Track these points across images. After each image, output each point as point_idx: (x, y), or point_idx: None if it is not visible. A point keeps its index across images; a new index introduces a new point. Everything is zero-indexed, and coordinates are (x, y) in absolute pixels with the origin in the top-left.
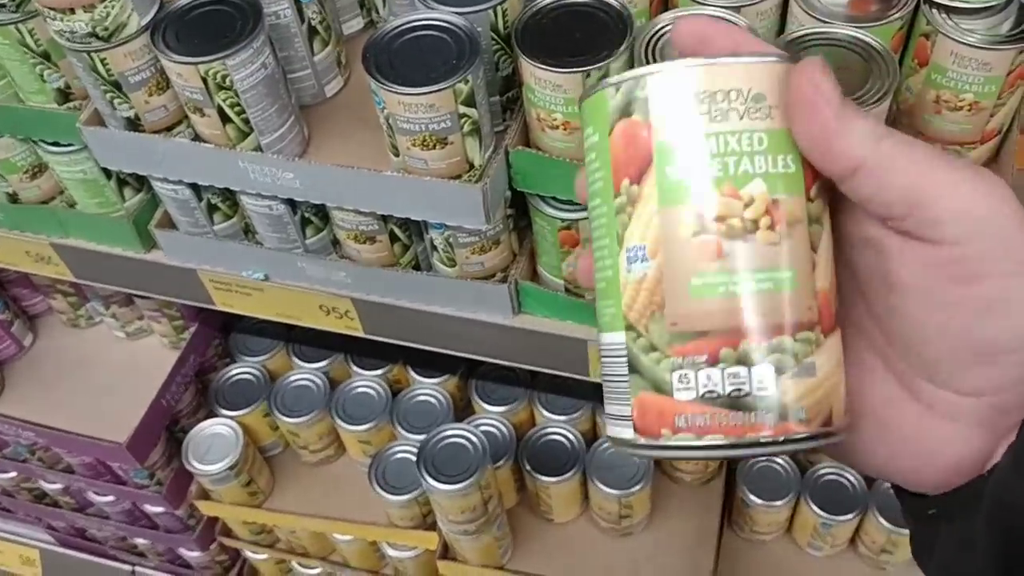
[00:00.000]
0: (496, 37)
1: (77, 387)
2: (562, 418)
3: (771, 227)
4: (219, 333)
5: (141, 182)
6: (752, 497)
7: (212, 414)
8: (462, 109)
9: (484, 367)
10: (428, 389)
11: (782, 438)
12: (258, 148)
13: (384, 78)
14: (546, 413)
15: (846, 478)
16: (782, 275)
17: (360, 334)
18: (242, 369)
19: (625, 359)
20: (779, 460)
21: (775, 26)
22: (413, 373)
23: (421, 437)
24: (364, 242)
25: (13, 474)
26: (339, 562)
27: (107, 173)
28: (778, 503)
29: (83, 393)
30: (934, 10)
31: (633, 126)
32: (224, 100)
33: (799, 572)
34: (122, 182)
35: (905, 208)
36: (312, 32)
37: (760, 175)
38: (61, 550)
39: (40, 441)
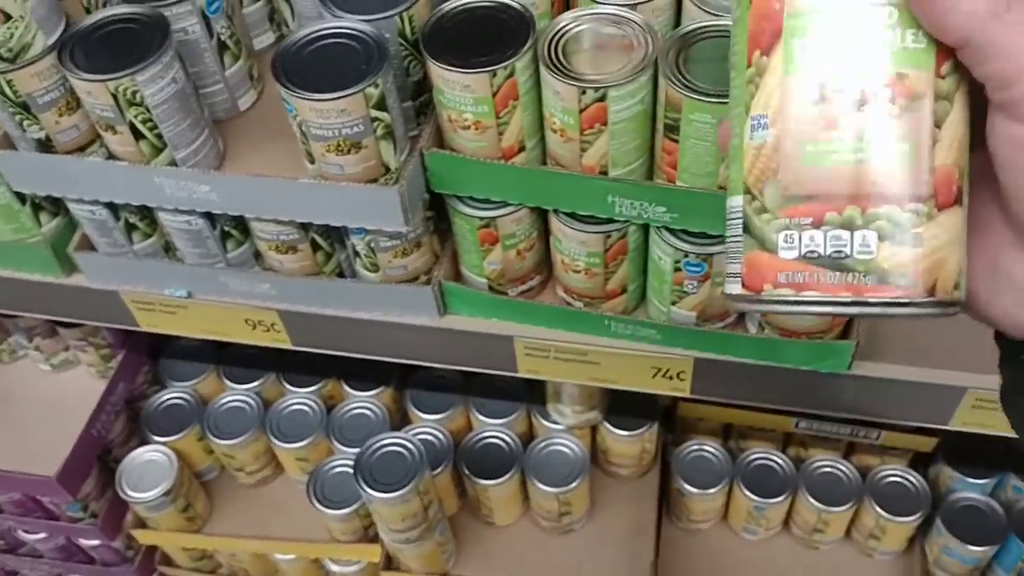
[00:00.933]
0: (404, 43)
1: (2, 424)
2: (498, 421)
3: (891, 100)
4: (148, 359)
5: (57, 205)
6: (687, 486)
7: (145, 441)
8: (374, 113)
9: (418, 376)
10: (363, 402)
11: (876, 299)
12: (173, 163)
13: (294, 86)
14: (482, 418)
15: (775, 462)
16: (896, 147)
17: (288, 346)
18: (173, 394)
19: (741, 221)
20: (709, 449)
21: (671, 22)
22: (347, 387)
23: (357, 450)
24: (286, 252)
25: None
26: None
27: (21, 198)
28: (712, 490)
29: (9, 429)
30: None
31: (768, 1)
32: (136, 116)
33: (736, 556)
34: (37, 207)
35: (1012, 90)
36: (222, 47)
37: (886, 49)
38: None
39: None
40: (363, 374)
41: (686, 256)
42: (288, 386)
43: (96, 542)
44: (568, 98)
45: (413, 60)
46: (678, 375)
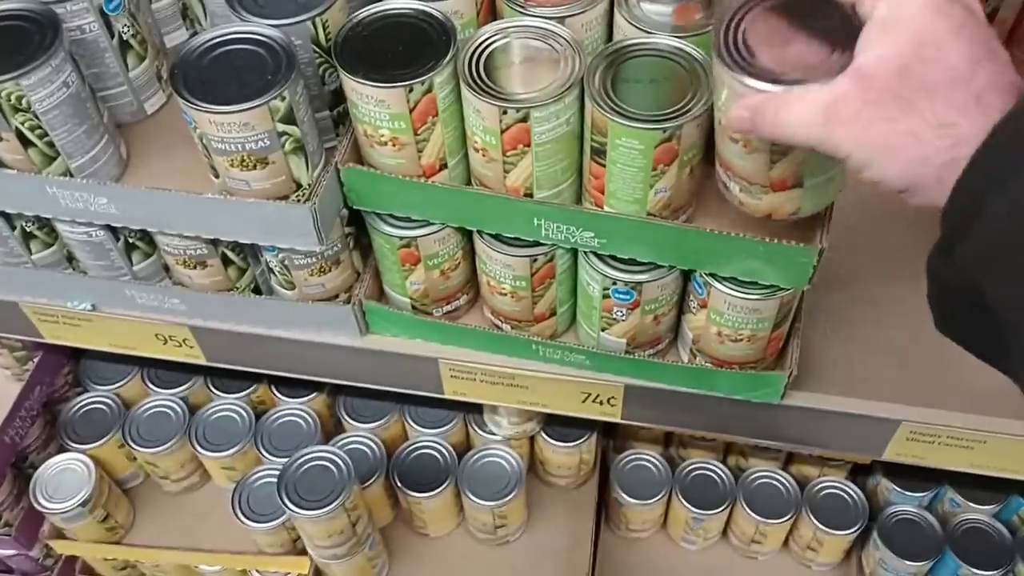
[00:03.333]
0: (319, 49)
1: None
2: (433, 432)
3: None
4: (68, 360)
5: None
6: (625, 496)
7: (63, 448)
8: (281, 127)
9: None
10: (294, 409)
11: None
12: (67, 172)
13: (193, 96)
14: (417, 427)
15: (715, 472)
16: None
17: (202, 362)
18: (93, 398)
19: None
20: (648, 459)
21: (601, 37)
22: (278, 393)
23: (282, 459)
24: (194, 267)
25: None
26: None
27: None
28: (651, 501)
29: None
30: None
31: None
32: (23, 123)
33: (675, 566)
34: None
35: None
36: (125, 46)
37: None
38: None
39: None
40: (295, 380)
41: (615, 284)
42: (216, 391)
43: (12, 552)
44: (489, 117)
45: (329, 68)
46: (608, 400)
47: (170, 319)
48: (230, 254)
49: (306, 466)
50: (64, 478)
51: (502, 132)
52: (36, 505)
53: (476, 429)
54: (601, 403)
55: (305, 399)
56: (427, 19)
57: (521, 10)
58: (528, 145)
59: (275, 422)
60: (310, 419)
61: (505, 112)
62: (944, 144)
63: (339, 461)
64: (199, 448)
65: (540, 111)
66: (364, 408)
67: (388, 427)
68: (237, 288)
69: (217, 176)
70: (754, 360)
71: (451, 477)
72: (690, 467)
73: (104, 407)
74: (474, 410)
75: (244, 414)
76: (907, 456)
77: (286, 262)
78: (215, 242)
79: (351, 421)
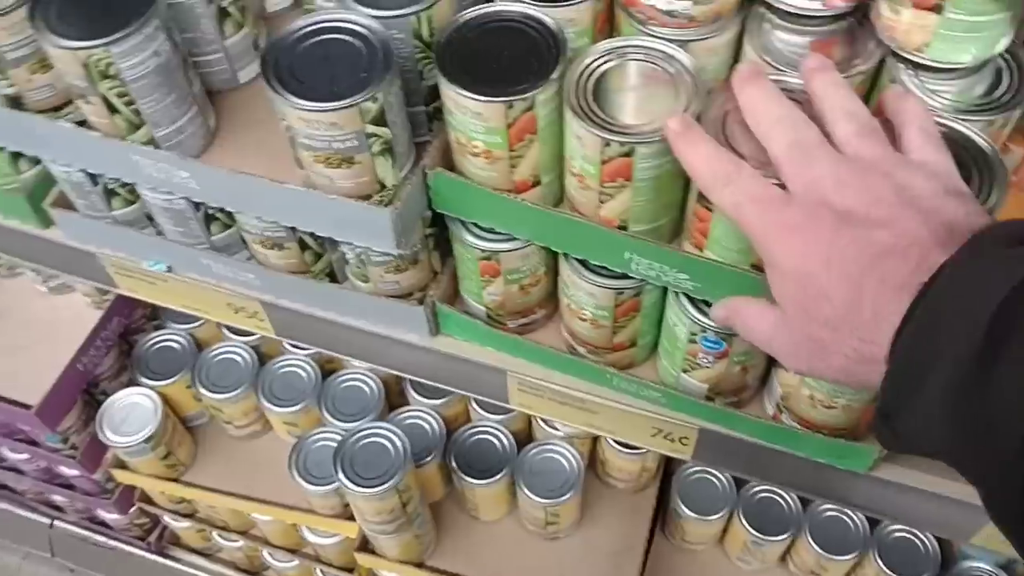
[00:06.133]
0: (421, 43)
1: None
2: (497, 417)
3: None
4: None
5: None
6: (685, 509)
7: (133, 381)
8: (370, 128)
9: None
10: (360, 374)
11: None
12: (151, 141)
13: (283, 88)
14: (480, 410)
15: (781, 498)
16: None
17: (271, 335)
18: (168, 336)
19: None
20: (714, 474)
21: (726, 66)
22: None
23: (347, 425)
24: (272, 248)
25: None
26: (260, 537)
27: None
28: (711, 518)
29: None
30: (901, 64)
31: None
32: (110, 89)
33: None
34: (16, 153)
35: None
36: (222, 13)
37: None
38: None
39: None
40: None
41: (704, 331)
42: (287, 344)
43: (76, 472)
44: (590, 146)
45: (430, 63)
46: (681, 439)
47: (242, 291)
48: (308, 240)
49: (364, 441)
50: (131, 412)
51: (602, 163)
52: (101, 436)
53: (540, 422)
54: (672, 440)
55: (373, 365)
56: (538, 26)
57: (641, 28)
58: (629, 180)
59: (341, 384)
60: (375, 386)
61: (608, 144)
62: (868, 368)
63: (397, 441)
64: (264, 400)
65: (646, 148)
66: (431, 384)
67: (451, 406)
68: (312, 272)
69: (301, 167)
70: (844, 428)
71: (508, 467)
72: (756, 489)
73: (177, 345)
74: None
75: (312, 372)
76: (996, 545)
77: (363, 257)
78: (294, 227)
79: (415, 395)
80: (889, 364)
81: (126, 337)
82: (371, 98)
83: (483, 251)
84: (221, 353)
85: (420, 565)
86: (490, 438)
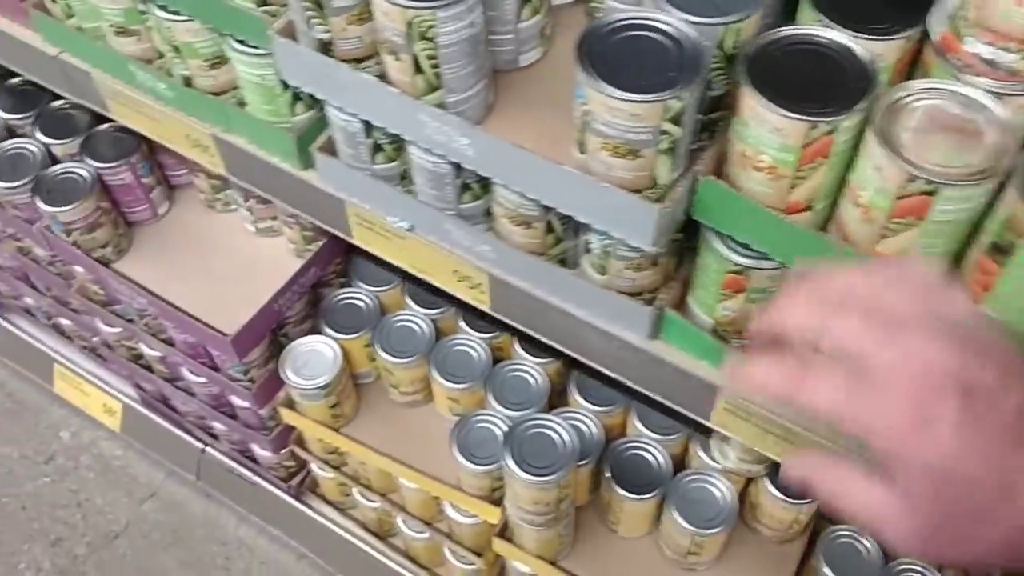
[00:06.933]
0: (721, 54)
1: (198, 267)
2: (655, 436)
3: None
4: (342, 252)
5: (315, 101)
6: (827, 571)
7: (316, 329)
8: (666, 126)
9: None
10: (528, 366)
11: None
12: (441, 105)
13: (596, 74)
14: (640, 426)
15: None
16: None
17: (486, 308)
18: (355, 294)
19: None
20: (863, 542)
21: None
22: (518, 347)
23: (509, 413)
24: (519, 224)
25: (118, 330)
26: (398, 503)
27: (285, 84)
28: None
29: (202, 274)
30: None
31: None
32: (422, 50)
33: None
34: (296, 96)
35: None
36: None
37: None
38: (143, 410)
39: (150, 310)
40: (537, 339)
41: None
42: (463, 324)
43: (245, 404)
44: (891, 179)
45: (720, 75)
46: None
47: (473, 261)
48: (555, 222)
49: (534, 429)
50: (312, 358)
51: (898, 198)
52: (283, 375)
53: (698, 449)
54: None
55: (542, 360)
56: (847, 55)
57: (955, 75)
58: (921, 219)
59: (509, 372)
60: (540, 380)
61: (912, 180)
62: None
63: (566, 436)
64: (436, 373)
65: (952, 191)
66: (594, 389)
67: (612, 415)
68: (548, 254)
69: (582, 151)
70: None
71: (662, 488)
72: (904, 567)
73: (363, 305)
74: (702, 430)
75: (483, 354)
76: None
77: (608, 249)
78: (548, 208)
79: (578, 397)
80: None
81: (315, 288)
82: (677, 97)
83: (735, 265)
84: (402, 320)
85: (553, 563)
86: (646, 455)
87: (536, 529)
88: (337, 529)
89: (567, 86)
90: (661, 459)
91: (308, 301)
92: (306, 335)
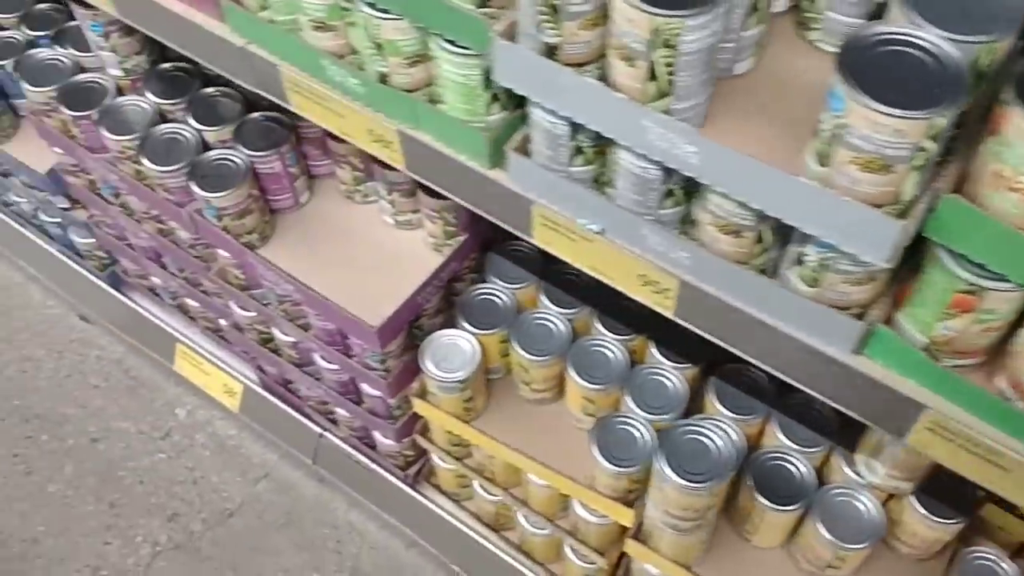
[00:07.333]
0: (972, 72)
1: (338, 256)
2: (796, 448)
3: None
4: (478, 248)
5: (512, 102)
6: None
7: (452, 323)
8: (925, 143)
9: (727, 369)
10: (666, 371)
11: None
12: (667, 112)
13: (860, 88)
14: (782, 437)
15: None
16: None
17: (668, 314)
18: (492, 290)
19: None
20: (1003, 566)
21: None
22: (655, 351)
23: (649, 416)
24: (728, 233)
25: (252, 314)
26: (520, 498)
27: (487, 84)
28: None
29: (342, 264)
30: None
31: None
32: (661, 57)
33: None
34: (495, 96)
35: None
36: (754, 7)
37: None
38: (263, 392)
39: (296, 296)
40: (674, 344)
41: None
42: (599, 326)
43: (376, 393)
44: None
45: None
46: None
47: (666, 267)
48: (767, 232)
49: (689, 435)
50: (451, 351)
51: None
52: (423, 366)
53: (842, 464)
54: None
55: (680, 367)
56: None
57: None
58: None
59: (648, 375)
60: (679, 385)
61: None
62: None
63: (722, 444)
64: (573, 372)
65: None
66: (734, 397)
67: (751, 425)
68: (751, 264)
69: (822, 164)
70: None
71: (806, 500)
72: None
73: (500, 301)
74: (844, 443)
75: (621, 356)
76: None
77: (827, 262)
78: (764, 218)
79: (717, 404)
80: None
81: (450, 282)
82: (943, 114)
83: (969, 285)
84: (539, 318)
85: (688, 568)
86: (789, 466)
87: (679, 534)
88: (452, 520)
89: (781, 96)
90: (804, 471)
91: (443, 295)
92: (439, 328)
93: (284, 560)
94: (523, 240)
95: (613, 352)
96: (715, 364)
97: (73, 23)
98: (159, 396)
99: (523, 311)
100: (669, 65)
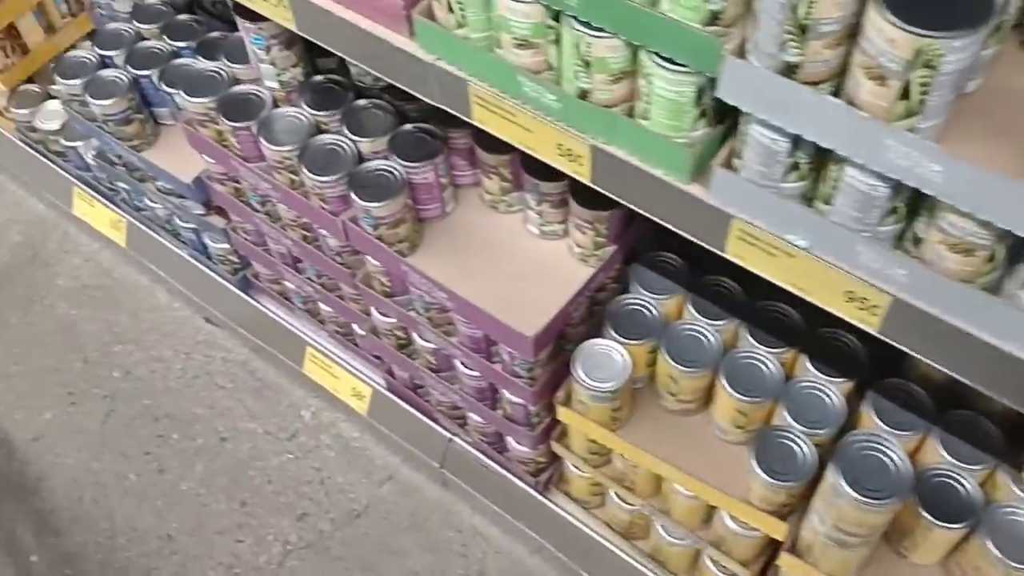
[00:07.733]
0: None
1: (484, 264)
2: (962, 465)
3: None
4: (622, 259)
5: (719, 117)
6: None
7: (597, 333)
8: None
9: (887, 384)
10: (822, 384)
11: None
12: (911, 131)
13: None
14: (944, 454)
15: None
16: None
17: (872, 331)
18: (639, 300)
19: None
20: None
21: None
22: (809, 364)
23: (807, 430)
24: (959, 252)
25: (393, 320)
26: (659, 507)
27: (698, 100)
28: None
29: (489, 272)
30: None
31: None
32: (918, 77)
33: None
34: (703, 112)
35: None
36: (996, 24)
37: None
38: (392, 396)
39: (447, 304)
40: (830, 359)
41: None
42: (749, 338)
43: (518, 400)
44: None
45: None
46: None
47: (878, 284)
48: (1000, 250)
49: (864, 452)
50: (603, 361)
51: None
52: (575, 375)
53: (1009, 482)
54: None
55: (837, 381)
56: None
57: None
58: None
59: (803, 389)
60: (837, 400)
61: None
62: None
63: (899, 462)
64: (726, 385)
65: None
66: (893, 413)
67: (912, 442)
68: (975, 282)
69: None
70: None
71: (974, 517)
72: None
73: (647, 312)
74: (1011, 461)
75: (775, 370)
76: None
77: None
78: (1003, 237)
79: (876, 420)
80: None
81: (594, 293)
82: None
83: None
84: (688, 330)
85: None
86: (954, 484)
87: (843, 550)
88: (584, 527)
89: (1015, 113)
90: (971, 488)
91: (588, 306)
92: (582, 338)
93: (412, 562)
94: (669, 252)
95: (766, 365)
96: (867, 381)
97: (214, 34)
98: (284, 398)
99: (670, 322)
100: (925, 85)
